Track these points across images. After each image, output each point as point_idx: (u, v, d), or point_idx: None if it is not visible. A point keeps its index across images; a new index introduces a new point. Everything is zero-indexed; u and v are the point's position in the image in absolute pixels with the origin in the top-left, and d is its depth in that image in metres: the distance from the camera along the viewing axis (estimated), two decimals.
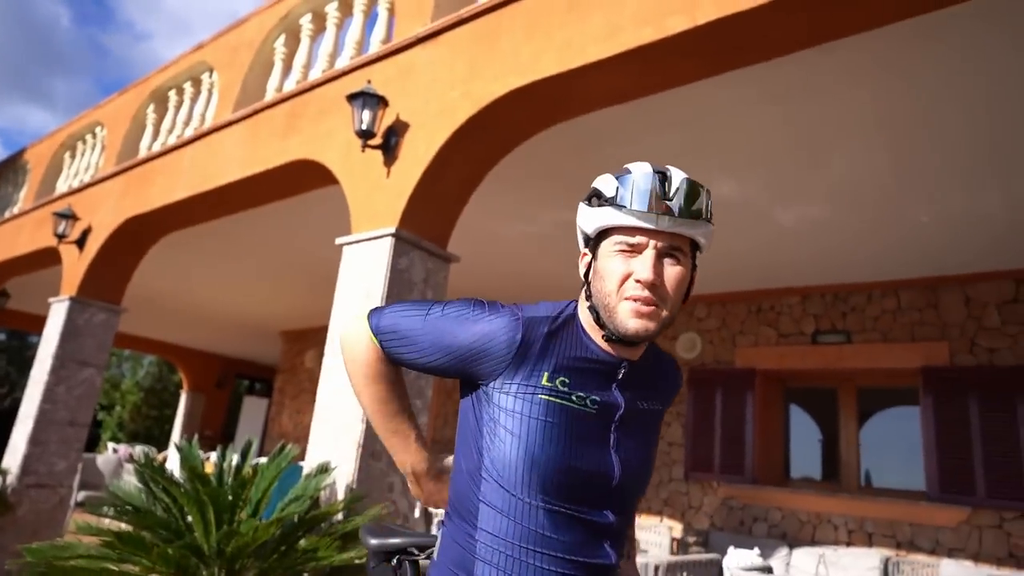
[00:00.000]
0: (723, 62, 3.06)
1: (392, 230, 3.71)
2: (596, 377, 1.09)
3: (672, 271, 1.06)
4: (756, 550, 4.55)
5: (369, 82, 4.00)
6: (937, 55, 3.16)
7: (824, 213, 4.93)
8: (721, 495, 6.64)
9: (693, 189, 1.05)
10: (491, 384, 1.08)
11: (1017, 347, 5.41)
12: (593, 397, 1.08)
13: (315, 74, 4.85)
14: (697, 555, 3.63)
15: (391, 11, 4.51)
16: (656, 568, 3.32)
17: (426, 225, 3.85)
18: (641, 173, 1.05)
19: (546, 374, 1.06)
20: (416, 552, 1.28)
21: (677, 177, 1.05)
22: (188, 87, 6.30)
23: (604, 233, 1.09)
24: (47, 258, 7.98)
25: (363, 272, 3.78)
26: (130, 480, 5.10)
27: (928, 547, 5.48)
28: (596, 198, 1.09)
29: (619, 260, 1.05)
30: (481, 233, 5.78)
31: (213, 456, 7.53)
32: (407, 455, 1.27)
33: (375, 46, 4.45)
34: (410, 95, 3.98)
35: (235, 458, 3.44)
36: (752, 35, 2.86)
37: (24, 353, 19.13)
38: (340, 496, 3.64)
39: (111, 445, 12.00)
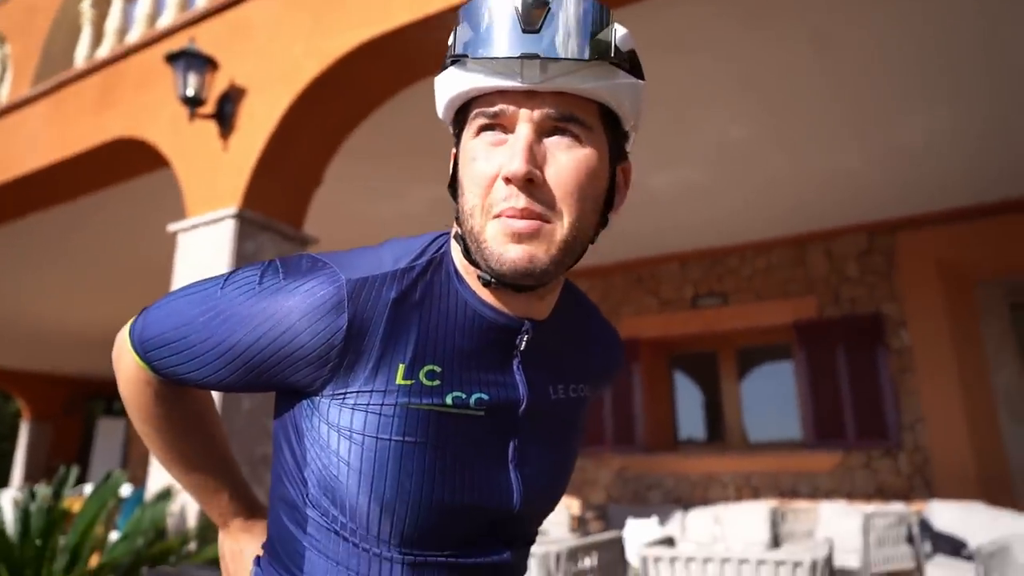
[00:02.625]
0: None
1: (234, 210, 3.18)
2: (485, 354, 0.70)
3: (567, 156, 0.64)
4: (654, 518, 4.48)
5: (193, 40, 3.40)
6: (805, 11, 3.10)
7: (696, 176, 4.90)
8: (615, 467, 6.61)
9: (587, 8, 0.62)
10: (317, 394, 0.68)
11: (874, 295, 5.72)
12: (479, 394, 0.69)
13: (132, 38, 4.14)
14: (597, 536, 3.43)
15: None
16: (557, 556, 3.08)
17: (276, 203, 3.35)
18: None
19: (401, 367, 0.66)
20: None
21: None
22: None
23: (464, 113, 0.68)
24: None
25: (202, 261, 3.23)
26: None
27: (808, 492, 5.71)
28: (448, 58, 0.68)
29: (482, 153, 0.65)
30: (349, 214, 5.28)
31: (87, 489, 6.49)
32: (212, 512, 0.88)
33: (202, 2, 3.84)
34: (246, 56, 3.44)
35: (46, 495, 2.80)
36: None
37: None
38: (192, 523, 3.10)
39: None
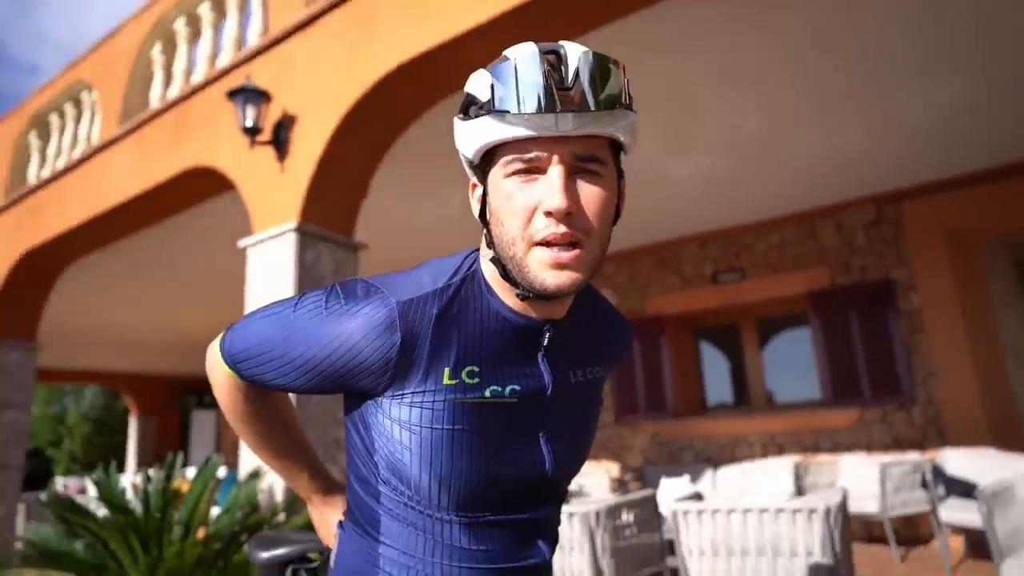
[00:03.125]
0: (598, 15, 2.82)
1: (294, 225, 3.31)
2: (514, 352, 0.77)
3: (592, 191, 0.70)
4: (686, 476, 4.49)
5: (248, 77, 3.53)
6: (795, 4, 3.04)
7: (709, 162, 4.84)
8: (649, 432, 6.62)
9: (601, 66, 0.68)
10: (380, 396, 0.75)
11: (882, 262, 5.57)
12: (512, 385, 0.76)
13: (197, 78, 4.31)
14: (633, 494, 3.48)
15: (265, 5, 4.03)
16: (597, 514, 3.14)
17: (329, 216, 3.47)
18: (525, 57, 0.67)
19: (447, 370, 0.73)
20: (311, 559, 1.02)
21: (575, 53, 0.68)
22: (69, 108, 5.55)
23: (491, 153, 0.73)
24: None
25: (269, 271, 3.37)
26: None
27: (829, 447, 5.63)
28: (471, 107, 0.72)
29: (517, 189, 0.70)
30: (394, 220, 5.39)
31: (189, 472, 6.85)
32: (298, 489, 0.98)
33: (253, 40, 3.97)
34: (294, 86, 3.55)
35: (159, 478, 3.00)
36: None
37: None
38: (279, 498, 3.28)
39: (61, 481, 10.92)
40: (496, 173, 0.72)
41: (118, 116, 4.83)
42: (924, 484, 4.31)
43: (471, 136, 0.72)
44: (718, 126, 4.26)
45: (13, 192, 6.07)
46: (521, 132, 0.68)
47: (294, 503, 3.14)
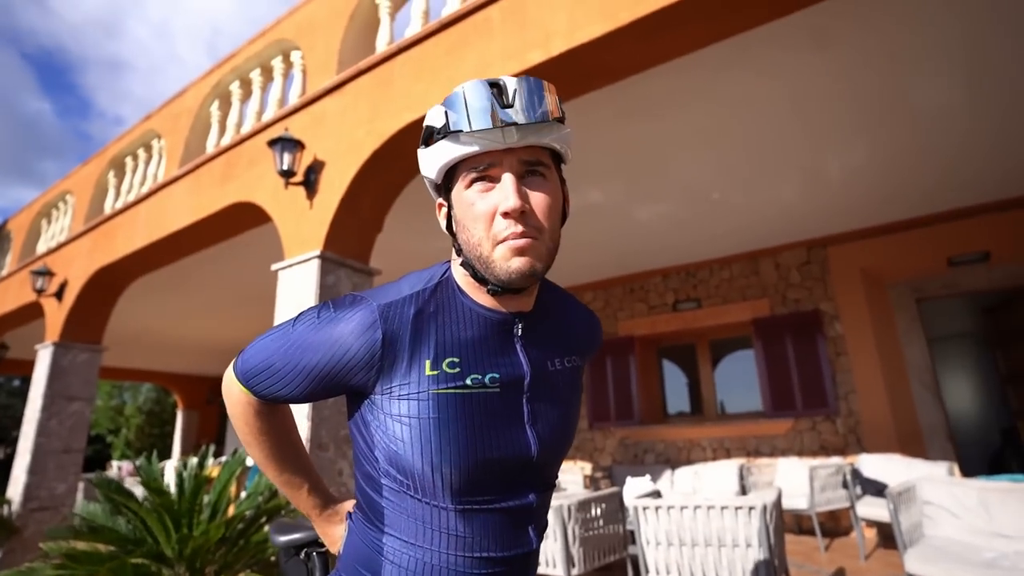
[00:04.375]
0: (576, 87, 2.85)
1: (318, 252, 3.29)
2: (491, 343, 0.72)
3: (540, 190, 0.69)
4: (647, 476, 4.40)
5: (287, 129, 3.55)
6: (741, 78, 3.09)
7: (670, 209, 4.86)
8: (618, 437, 6.53)
9: (536, 87, 0.68)
10: (373, 393, 0.71)
11: (812, 296, 5.57)
12: (492, 374, 0.71)
13: (245, 129, 4.34)
14: (602, 491, 3.40)
15: (304, 71, 4.07)
16: (569, 508, 3.05)
17: (348, 246, 3.45)
18: (471, 87, 0.68)
19: (428, 362, 0.69)
20: (323, 545, 0.97)
21: (512, 80, 0.68)
22: (141, 152, 5.57)
23: (451, 173, 0.71)
24: (33, 311, 6.92)
25: (296, 291, 3.34)
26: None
27: (768, 452, 5.55)
28: (430, 137, 0.71)
29: (478, 198, 0.69)
30: (403, 250, 5.38)
31: (223, 459, 6.70)
32: (300, 504, 0.91)
33: (293, 100, 4.00)
34: (324, 137, 3.57)
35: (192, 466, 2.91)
36: (594, 62, 2.67)
37: None
38: None
39: (116, 464, 10.68)
40: (458, 188, 0.71)
41: (180, 159, 4.85)
42: (845, 484, 4.24)
43: (432, 159, 0.71)
44: (676, 179, 4.30)
45: (91, 220, 6.05)
46: (475, 148, 0.67)
47: None
